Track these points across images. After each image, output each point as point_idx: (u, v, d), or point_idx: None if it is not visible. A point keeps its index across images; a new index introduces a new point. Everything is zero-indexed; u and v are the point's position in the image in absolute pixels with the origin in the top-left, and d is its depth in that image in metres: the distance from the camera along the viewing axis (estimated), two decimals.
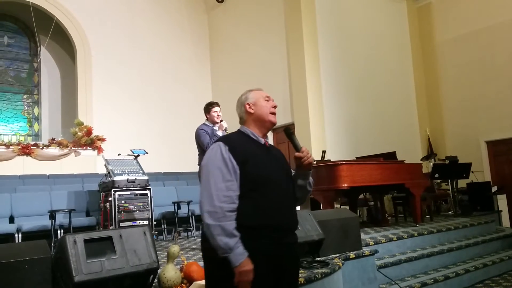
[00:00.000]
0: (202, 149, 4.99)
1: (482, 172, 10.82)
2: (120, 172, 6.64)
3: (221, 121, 5.18)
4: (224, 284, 2.08)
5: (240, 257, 2.02)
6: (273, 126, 2.36)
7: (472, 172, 8.73)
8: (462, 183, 9.26)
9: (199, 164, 4.66)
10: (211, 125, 5.19)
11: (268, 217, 2.15)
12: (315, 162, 7.01)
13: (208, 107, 5.27)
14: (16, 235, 6.24)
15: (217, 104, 5.30)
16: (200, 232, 2.37)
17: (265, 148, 2.32)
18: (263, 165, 2.21)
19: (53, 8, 11.28)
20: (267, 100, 2.36)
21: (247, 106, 2.34)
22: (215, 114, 5.20)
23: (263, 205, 2.15)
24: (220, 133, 5.06)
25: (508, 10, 10.90)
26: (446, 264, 5.85)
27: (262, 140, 2.33)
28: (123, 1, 12.18)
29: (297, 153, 2.30)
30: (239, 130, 2.37)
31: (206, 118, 5.28)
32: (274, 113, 2.36)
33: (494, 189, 9.37)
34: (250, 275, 2.02)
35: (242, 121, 2.38)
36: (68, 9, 11.39)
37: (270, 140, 9.95)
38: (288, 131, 2.39)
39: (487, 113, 11.09)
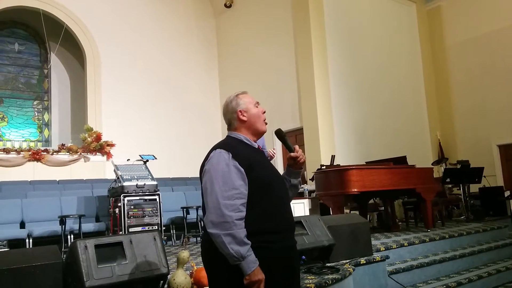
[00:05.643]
0: None
1: (494, 176, 10.70)
2: (129, 177, 6.66)
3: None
4: None
5: (252, 265, 1.96)
6: (264, 133, 2.32)
7: (484, 176, 8.64)
8: (474, 188, 9.16)
9: None
10: None
11: (277, 221, 2.12)
12: (324, 167, 6.98)
13: None
14: (27, 240, 6.30)
15: None
16: (201, 242, 2.29)
17: (261, 152, 2.28)
18: (265, 169, 2.18)
19: (63, 15, 11.38)
20: (257, 106, 2.30)
21: (240, 114, 2.25)
22: None
23: (272, 210, 2.11)
24: None
25: None
26: (459, 270, 5.77)
27: (256, 145, 2.28)
28: (132, 7, 12.27)
29: (292, 153, 2.28)
30: (230, 137, 2.27)
31: None
32: (265, 120, 2.31)
33: (507, 193, 9.26)
34: (262, 283, 1.97)
35: (232, 127, 2.29)
36: (78, 16, 11.50)
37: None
38: (280, 133, 2.36)
39: (499, 117, 10.97)
